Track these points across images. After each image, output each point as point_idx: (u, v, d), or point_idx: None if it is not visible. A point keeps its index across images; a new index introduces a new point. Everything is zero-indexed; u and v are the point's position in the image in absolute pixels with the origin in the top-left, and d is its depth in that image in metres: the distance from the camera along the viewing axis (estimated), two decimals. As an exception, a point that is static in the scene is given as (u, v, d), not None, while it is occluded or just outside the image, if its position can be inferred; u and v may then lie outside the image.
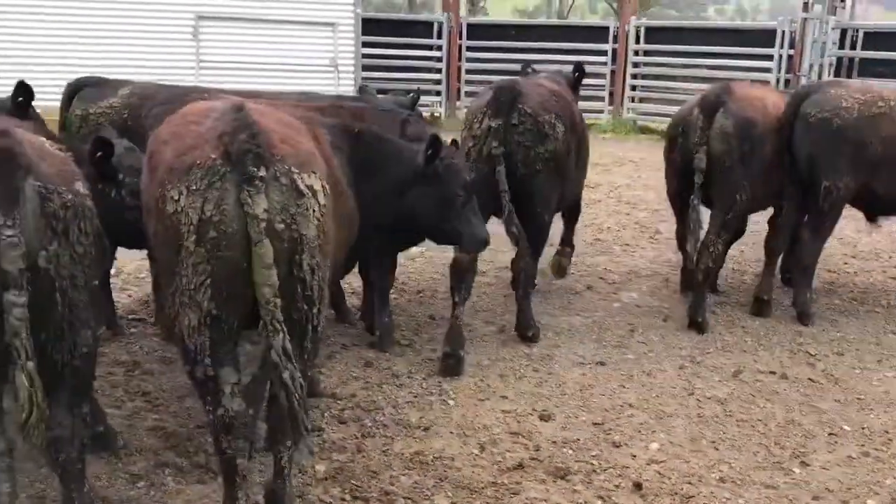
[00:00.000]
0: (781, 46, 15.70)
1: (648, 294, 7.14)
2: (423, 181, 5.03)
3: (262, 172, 3.21)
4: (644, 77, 17.97)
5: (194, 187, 3.24)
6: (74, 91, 5.91)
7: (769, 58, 15.86)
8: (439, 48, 18.37)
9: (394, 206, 5.03)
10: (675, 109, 15.44)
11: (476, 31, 18.53)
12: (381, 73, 16.78)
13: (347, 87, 15.37)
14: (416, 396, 5.14)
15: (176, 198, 3.27)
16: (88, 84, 5.99)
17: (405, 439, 4.60)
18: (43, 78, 13.41)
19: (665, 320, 6.55)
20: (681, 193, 6.52)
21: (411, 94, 6.97)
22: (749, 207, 6.60)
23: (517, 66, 17.67)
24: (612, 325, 6.43)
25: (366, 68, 16.06)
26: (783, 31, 15.66)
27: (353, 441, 4.56)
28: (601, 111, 17.92)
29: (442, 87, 18.33)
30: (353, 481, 4.15)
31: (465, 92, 18.54)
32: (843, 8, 15.85)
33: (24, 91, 5.07)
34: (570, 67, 7.40)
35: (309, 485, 4.12)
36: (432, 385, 5.31)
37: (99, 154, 4.20)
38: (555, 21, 17.81)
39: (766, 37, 16.12)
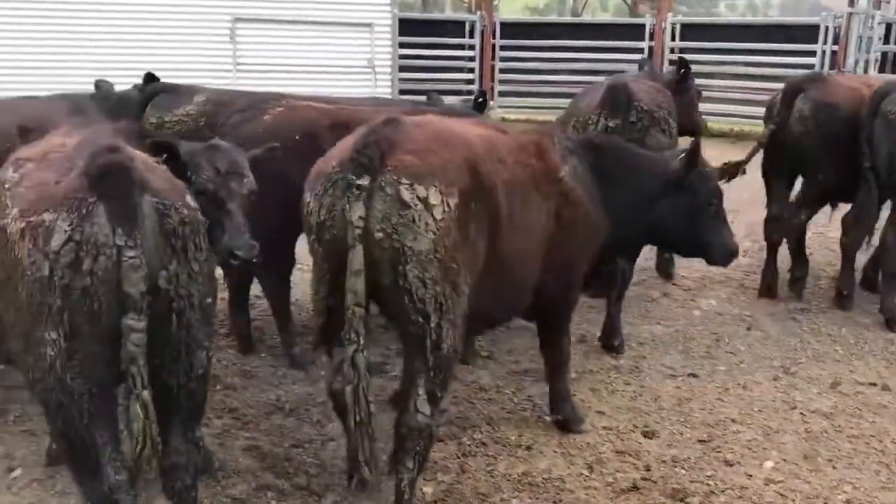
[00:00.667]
0: (825, 42, 15.41)
1: (727, 301, 6.94)
2: (675, 191, 4.67)
3: (364, 181, 3.32)
4: (680, 75, 17.70)
5: (317, 192, 3.52)
6: (148, 99, 5.77)
7: (811, 54, 15.58)
8: (472, 47, 18.22)
9: (644, 217, 4.69)
10: (712, 107, 15.61)
11: (509, 30, 18.31)
12: (415, 74, 16.62)
13: (385, 89, 15.23)
14: (510, 412, 4.98)
15: (307, 201, 3.59)
16: (162, 91, 5.85)
17: (508, 458, 4.43)
18: (81, 81, 13.43)
19: (749, 329, 6.35)
20: (769, 172, 6.80)
21: (478, 98, 6.81)
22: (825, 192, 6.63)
23: (551, 65, 17.83)
24: (695, 334, 6.24)
25: (401, 69, 15.89)
26: (826, 27, 15.38)
27: (456, 461, 4.40)
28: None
29: (475, 87, 18.13)
30: (463, 504, 4.00)
31: (499, 91, 18.39)
32: (889, 2, 15.54)
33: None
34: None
35: (419, 508, 3.97)
36: (523, 400, 5.15)
37: (165, 156, 3.99)
38: (590, 19, 17.54)
39: (808, 32, 15.81)
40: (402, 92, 15.57)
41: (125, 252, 2.80)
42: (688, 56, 17.13)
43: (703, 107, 15.07)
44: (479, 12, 17.96)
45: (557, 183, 4.25)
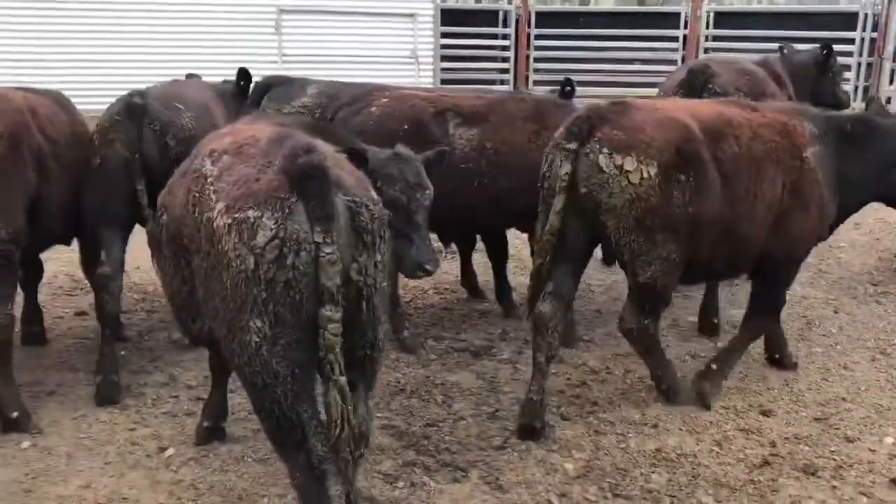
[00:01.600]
0: (864, 29, 15.50)
1: (809, 285, 7.09)
2: None
3: (572, 146, 4.29)
4: (715, 63, 17.81)
5: (546, 150, 4.56)
6: (264, 91, 5.93)
7: (850, 41, 15.66)
8: (507, 37, 18.33)
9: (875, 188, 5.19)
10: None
11: (544, 19, 18.41)
12: (453, 64, 16.74)
13: (427, 79, 15.40)
14: (624, 393, 5.14)
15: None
16: (277, 83, 6.01)
17: (638, 436, 4.60)
18: (126, 75, 13.59)
19: (836, 312, 6.51)
20: None
21: (565, 87, 6.96)
22: None
23: (585, 54, 17.91)
24: (785, 317, 6.34)
25: (441, 59, 16.05)
26: (865, 14, 15.47)
27: (588, 439, 4.57)
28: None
29: (510, 77, 18.28)
30: (607, 479, 4.16)
31: (534, 81, 18.49)
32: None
33: (246, 76, 5.92)
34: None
35: (567, 483, 4.14)
36: (635, 381, 5.30)
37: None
38: (625, 7, 17.66)
39: (845, 20, 15.91)
40: (444, 82, 15.73)
41: (323, 248, 2.99)
42: (723, 44, 17.47)
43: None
44: (514, 2, 18.03)
45: (799, 161, 4.70)
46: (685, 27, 17.59)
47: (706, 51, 17.72)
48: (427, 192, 4.43)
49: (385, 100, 5.58)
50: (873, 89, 15.33)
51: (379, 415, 4.80)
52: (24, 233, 4.49)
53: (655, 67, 18.20)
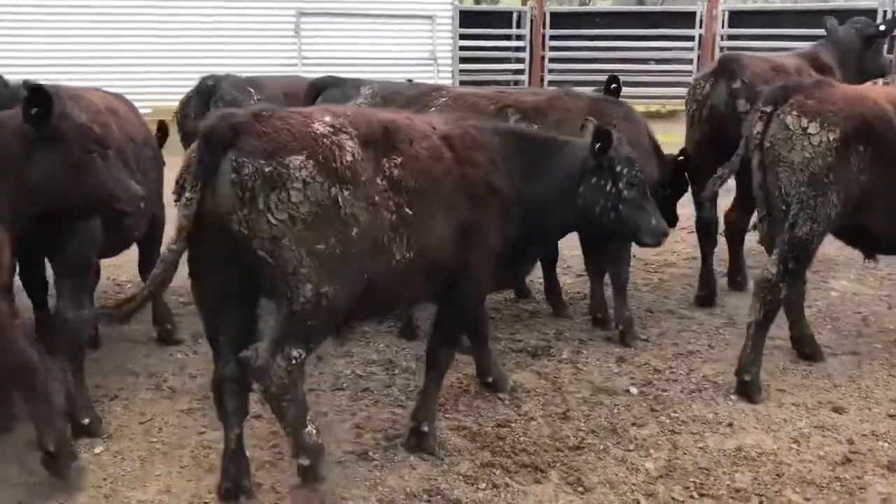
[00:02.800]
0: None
1: (858, 282, 7.08)
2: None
3: (768, 108, 4.84)
4: (730, 61, 17.79)
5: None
6: (318, 92, 5.91)
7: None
8: (521, 38, 18.33)
9: None
10: None
11: (559, 19, 18.40)
12: (470, 65, 16.72)
13: (446, 79, 15.36)
14: (692, 392, 5.10)
15: None
16: (329, 85, 5.99)
17: (714, 435, 4.56)
18: (148, 77, 13.56)
19: (890, 308, 6.48)
20: None
21: (611, 85, 6.93)
22: None
23: (600, 54, 17.88)
24: (839, 314, 6.38)
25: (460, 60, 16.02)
26: (885, 11, 15.44)
27: (664, 438, 4.53)
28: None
29: (525, 77, 18.27)
30: (691, 479, 4.12)
31: (549, 81, 18.46)
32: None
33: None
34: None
35: (650, 483, 4.09)
36: (701, 379, 5.27)
37: (598, 145, 4.42)
38: (640, 7, 17.66)
39: (864, 16, 15.85)
40: (462, 83, 15.70)
41: (182, 193, 3.58)
42: (739, 43, 17.45)
43: None
44: (529, 2, 18.02)
45: None
46: (701, 26, 17.56)
47: (721, 49, 17.69)
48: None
49: (444, 100, 5.56)
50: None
51: (447, 416, 4.78)
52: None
53: (671, 67, 18.22)
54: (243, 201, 3.35)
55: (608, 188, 4.50)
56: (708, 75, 6.43)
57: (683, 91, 17.56)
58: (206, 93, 5.80)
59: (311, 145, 3.44)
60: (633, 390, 5.11)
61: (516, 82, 18.30)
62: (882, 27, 7.85)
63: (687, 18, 17.83)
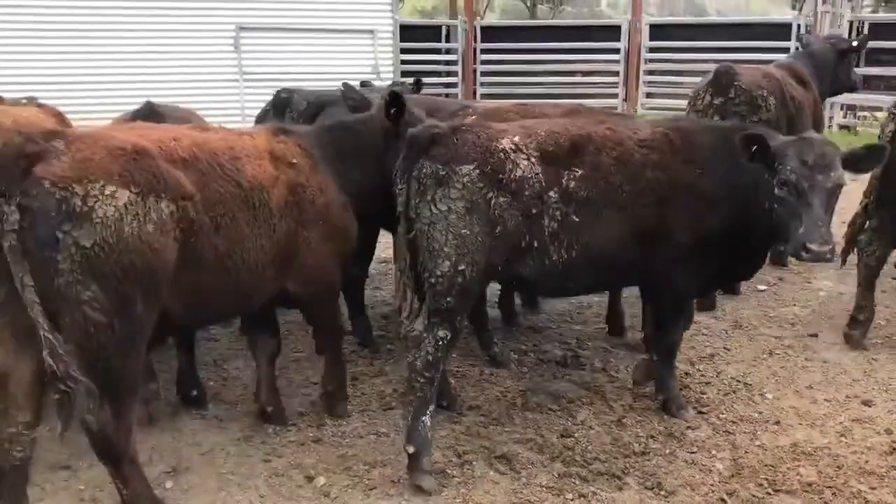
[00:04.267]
0: (798, 40, 16.40)
1: (840, 282, 7.49)
2: None
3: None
4: (654, 73, 18.49)
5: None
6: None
7: (785, 50, 16.55)
8: (450, 52, 18.54)
9: None
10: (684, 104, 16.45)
11: (490, 33, 18.70)
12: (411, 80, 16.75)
13: (388, 94, 15.33)
14: (727, 395, 5.31)
15: None
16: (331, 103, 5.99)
17: (766, 433, 4.78)
18: (85, 93, 13.06)
19: (875, 305, 6.89)
20: None
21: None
22: None
23: (531, 67, 18.26)
24: (833, 312, 6.76)
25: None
26: (798, 25, 16.39)
27: (721, 438, 4.72)
28: (615, 108, 18.37)
29: (458, 91, 18.47)
30: (762, 476, 4.32)
31: (481, 94, 18.73)
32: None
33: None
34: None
35: (726, 482, 4.26)
36: (731, 381, 5.50)
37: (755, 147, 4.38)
38: (569, 21, 18.14)
39: (779, 30, 16.81)
40: (403, 97, 15.73)
41: None
42: (662, 55, 18.16)
43: (677, 103, 16.21)
44: (460, 17, 18.24)
45: None
46: (628, 39, 18.18)
47: (646, 62, 18.39)
48: (831, 174, 4.23)
49: (473, 117, 5.61)
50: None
51: (506, 429, 4.84)
52: None
53: (597, 79, 18.78)
54: (418, 193, 4.11)
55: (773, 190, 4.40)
56: (706, 86, 6.72)
57: (611, 102, 18.21)
58: (282, 105, 5.92)
59: (484, 158, 4.15)
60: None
61: (447, 95, 18.46)
62: (855, 43, 8.34)
63: (613, 31, 18.41)
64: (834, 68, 8.05)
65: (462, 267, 4.10)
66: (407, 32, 18.00)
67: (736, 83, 6.58)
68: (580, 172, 4.29)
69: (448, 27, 18.87)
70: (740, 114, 6.48)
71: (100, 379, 3.44)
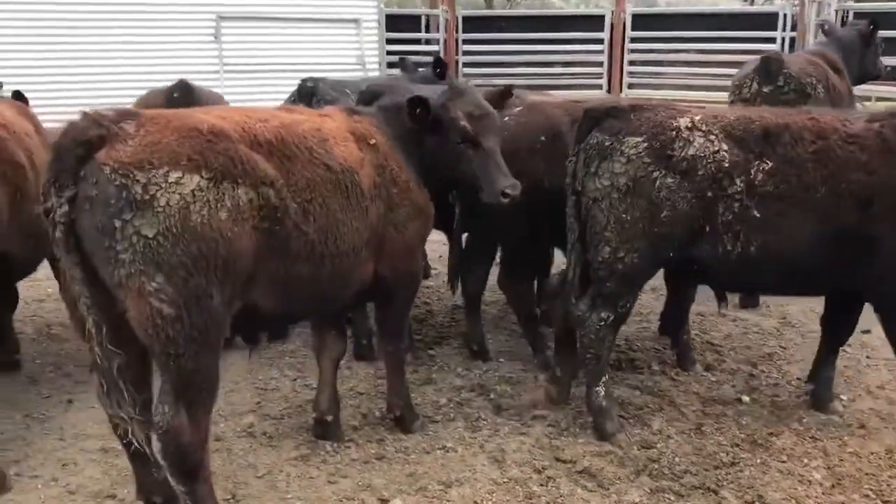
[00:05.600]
0: (784, 29, 16.36)
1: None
2: None
3: None
4: (637, 63, 18.31)
5: None
6: (372, 99, 5.49)
7: (772, 41, 16.49)
8: (429, 42, 18.17)
9: None
10: (670, 94, 16.33)
11: (471, 23, 18.34)
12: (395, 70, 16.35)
13: (374, 86, 14.92)
14: (799, 397, 5.08)
15: None
16: (383, 91, 5.58)
17: (853, 438, 4.55)
18: (63, 86, 12.44)
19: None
20: None
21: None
22: None
23: (512, 58, 17.98)
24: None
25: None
26: (784, 14, 16.31)
27: (809, 445, 4.48)
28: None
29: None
30: (865, 486, 4.08)
31: (464, 85, 18.36)
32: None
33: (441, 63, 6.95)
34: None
35: (828, 494, 4.02)
36: (798, 381, 5.28)
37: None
38: (551, 11, 17.86)
39: (765, 20, 16.72)
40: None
41: None
42: (644, 46, 17.99)
43: (660, 94, 16.08)
44: (441, 7, 17.85)
45: None
46: (611, 30, 17.96)
47: (629, 52, 18.19)
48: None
49: (518, 108, 5.29)
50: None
51: (580, 440, 4.54)
52: None
53: (580, 69, 18.52)
54: (584, 165, 4.24)
55: None
56: (752, 73, 6.48)
57: (596, 93, 17.98)
58: (308, 94, 5.74)
59: (654, 133, 4.14)
60: (745, 398, 5.04)
61: (427, 87, 18.09)
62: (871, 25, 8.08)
63: (596, 22, 18.17)
64: (861, 55, 7.85)
65: (622, 254, 4.19)
66: (388, 22, 17.63)
67: (785, 70, 6.36)
68: (770, 164, 4.07)
69: (428, 17, 18.46)
70: (789, 102, 6.23)
71: (174, 379, 3.24)
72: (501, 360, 5.66)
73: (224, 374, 4.65)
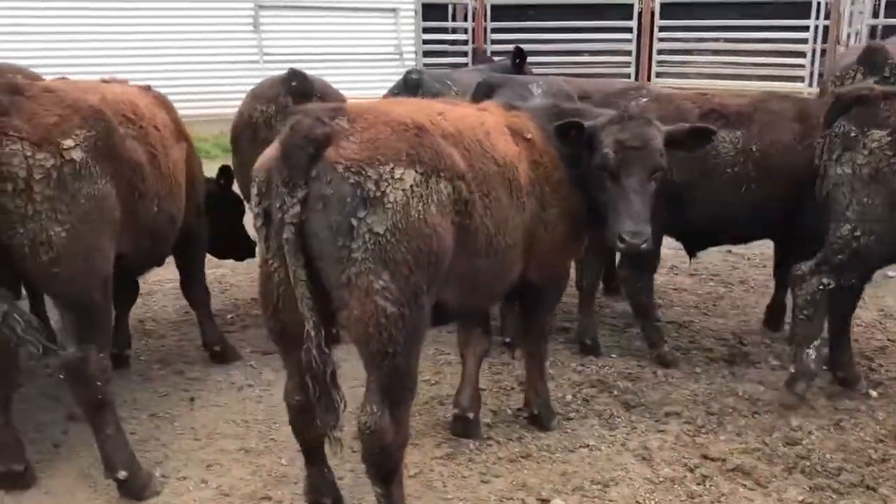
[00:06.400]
0: (817, 17, 16.31)
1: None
2: None
3: None
4: (665, 52, 18.26)
5: None
6: (487, 93, 5.43)
7: (804, 29, 16.44)
8: (456, 30, 18.09)
9: None
10: (699, 83, 16.25)
11: (500, 12, 18.24)
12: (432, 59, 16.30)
13: (411, 75, 14.84)
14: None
15: None
16: (498, 84, 5.53)
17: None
18: (103, 72, 12.30)
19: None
20: None
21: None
22: None
23: (541, 46, 17.88)
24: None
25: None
26: (819, 3, 16.24)
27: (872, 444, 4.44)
28: (627, 88, 18.08)
29: (468, 71, 18.02)
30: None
31: (492, 74, 18.27)
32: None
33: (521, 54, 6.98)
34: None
35: None
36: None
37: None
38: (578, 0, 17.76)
39: (798, 8, 16.65)
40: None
41: None
42: (674, 34, 17.89)
43: (693, 83, 15.98)
44: (470, -5, 17.77)
45: None
46: (639, 18, 17.89)
47: (658, 41, 18.14)
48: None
49: (645, 100, 5.23)
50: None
51: (722, 437, 4.51)
52: None
53: (608, 58, 18.45)
54: (828, 150, 4.50)
55: None
56: (855, 64, 6.33)
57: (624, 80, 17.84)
58: (414, 86, 5.64)
59: None
60: (873, 393, 5.00)
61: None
62: None
63: (625, 10, 18.10)
64: None
65: (859, 233, 4.34)
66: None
67: (890, 61, 6.22)
68: None
69: (455, 6, 18.36)
70: None
71: (384, 379, 3.20)
72: (613, 355, 5.61)
73: (349, 371, 4.70)
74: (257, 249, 3.45)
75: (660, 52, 18.19)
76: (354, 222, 2.99)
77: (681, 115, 5.11)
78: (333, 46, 14.04)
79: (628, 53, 18.22)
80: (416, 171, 3.13)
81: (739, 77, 17.22)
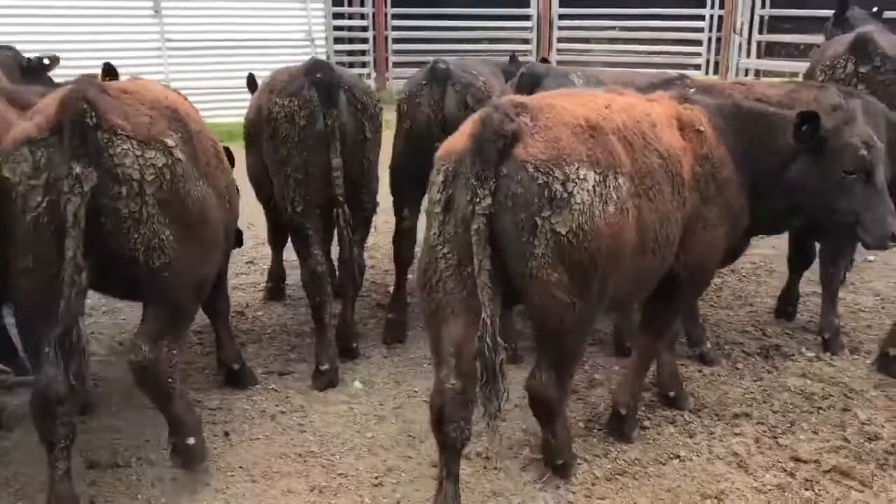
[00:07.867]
0: (712, 7, 16.86)
1: None
2: None
3: None
4: (565, 41, 18.41)
5: None
6: (532, 84, 5.09)
7: (700, 18, 16.97)
8: (363, 16, 17.59)
9: None
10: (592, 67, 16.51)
11: (401, -3, 17.84)
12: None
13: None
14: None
15: None
16: (540, 74, 5.20)
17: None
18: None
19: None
20: None
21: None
22: None
23: (440, 34, 17.61)
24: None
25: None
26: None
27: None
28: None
29: (370, 59, 17.54)
30: None
31: (393, 62, 17.87)
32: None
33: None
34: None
35: None
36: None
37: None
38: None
39: (694, -1, 17.17)
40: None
41: None
42: (572, 22, 18.05)
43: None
44: (375, -20, 17.23)
45: None
46: (538, 5, 17.92)
47: (558, 28, 18.25)
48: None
49: (692, 90, 5.02)
50: (723, 62, 16.76)
51: (800, 437, 4.42)
52: None
53: (506, 47, 18.38)
54: None
55: None
56: (846, 53, 6.39)
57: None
58: (443, 76, 5.25)
59: None
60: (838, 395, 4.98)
61: (363, 64, 17.52)
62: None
63: (524, -2, 18.10)
64: None
65: None
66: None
67: (880, 51, 6.34)
68: None
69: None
70: (886, 83, 6.24)
71: (554, 354, 3.53)
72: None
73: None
74: (426, 234, 3.44)
75: (559, 39, 18.31)
76: (539, 221, 3.12)
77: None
78: (241, 32, 13.21)
79: (527, 42, 18.23)
80: (596, 172, 3.14)
81: (637, 65, 17.54)
